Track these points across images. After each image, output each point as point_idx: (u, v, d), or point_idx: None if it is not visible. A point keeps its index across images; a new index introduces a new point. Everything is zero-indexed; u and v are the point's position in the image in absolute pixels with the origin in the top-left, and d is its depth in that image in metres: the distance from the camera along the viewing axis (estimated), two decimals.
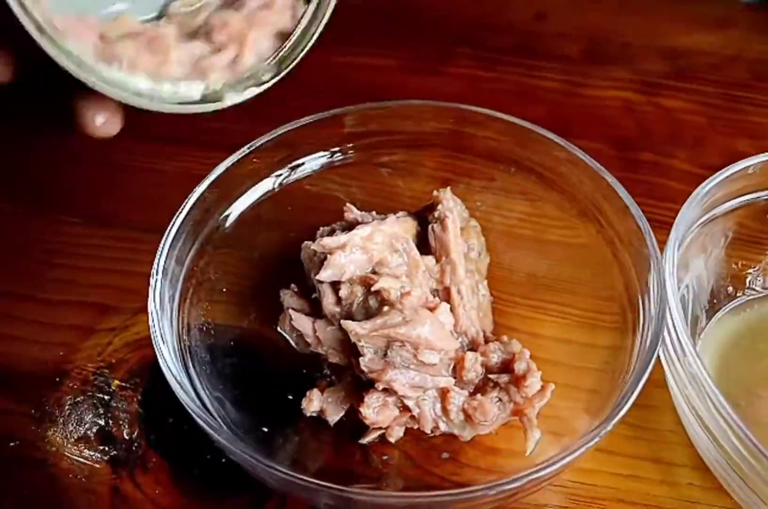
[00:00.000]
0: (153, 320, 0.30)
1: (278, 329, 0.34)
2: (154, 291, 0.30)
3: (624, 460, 0.33)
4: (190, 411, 0.27)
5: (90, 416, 0.35)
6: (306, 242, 0.35)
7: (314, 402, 0.32)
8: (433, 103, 0.37)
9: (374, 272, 0.32)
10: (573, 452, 0.24)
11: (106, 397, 0.35)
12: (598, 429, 0.26)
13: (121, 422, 0.34)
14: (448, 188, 0.36)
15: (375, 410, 0.31)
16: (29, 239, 0.43)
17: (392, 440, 0.32)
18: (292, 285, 0.34)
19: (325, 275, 0.31)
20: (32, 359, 0.37)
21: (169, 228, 0.32)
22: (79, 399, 0.35)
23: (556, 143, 0.35)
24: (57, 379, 0.36)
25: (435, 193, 0.35)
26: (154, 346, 0.29)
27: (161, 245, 0.32)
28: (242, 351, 0.35)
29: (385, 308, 0.30)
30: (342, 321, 0.30)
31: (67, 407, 0.35)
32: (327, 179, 0.38)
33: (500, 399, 0.31)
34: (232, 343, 0.35)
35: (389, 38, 0.55)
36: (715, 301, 0.37)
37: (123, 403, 0.35)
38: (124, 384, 0.36)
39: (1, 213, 0.44)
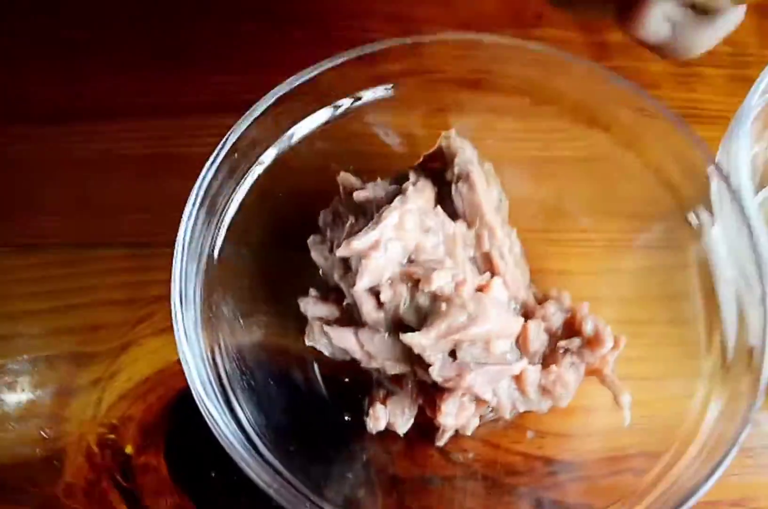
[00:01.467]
0: (184, 356, 0.24)
1: (307, 342, 0.29)
2: (177, 321, 0.24)
3: None
4: (235, 452, 0.23)
5: (116, 497, 0.29)
6: (312, 237, 0.29)
7: (381, 420, 0.28)
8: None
9: (410, 261, 0.27)
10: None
11: (124, 469, 0.30)
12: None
13: (154, 494, 0.29)
14: (452, 129, 0.30)
15: (453, 415, 0.27)
16: None
17: (468, 433, 0.29)
18: (311, 290, 0.29)
19: (363, 284, 0.25)
20: (10, 450, 0.31)
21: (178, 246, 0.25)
22: (92, 480, 0.29)
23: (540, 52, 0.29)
24: (55, 463, 0.30)
25: (442, 137, 0.29)
26: (191, 386, 0.24)
27: (175, 265, 0.25)
28: (276, 374, 0.29)
29: (443, 306, 0.26)
30: (402, 335, 0.25)
31: (82, 497, 0.29)
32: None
33: (573, 363, 0.28)
34: (264, 367, 0.29)
35: None
36: None
37: (148, 471, 0.30)
38: (140, 446, 0.30)
39: None
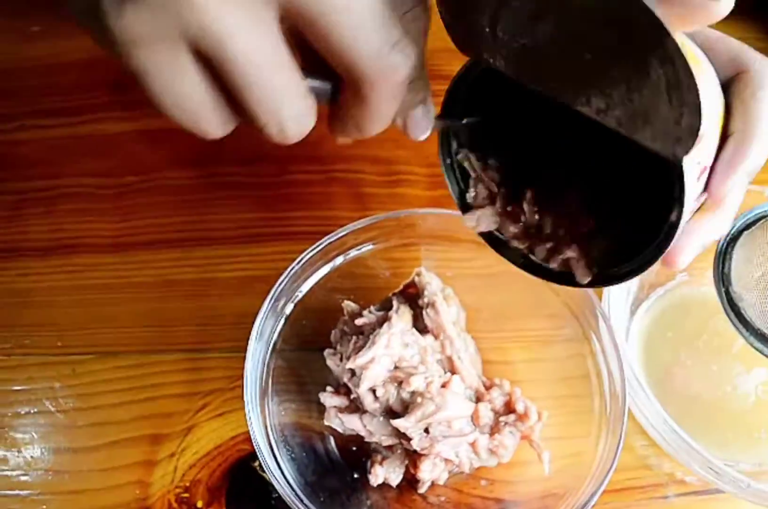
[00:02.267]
0: (253, 433, 0.37)
1: (326, 423, 0.42)
2: (248, 407, 0.37)
3: None
4: (290, 501, 0.35)
5: None
6: (327, 350, 0.42)
7: (379, 476, 0.40)
8: None
9: (396, 367, 0.40)
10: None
11: None
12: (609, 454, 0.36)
13: None
14: (422, 268, 0.43)
15: (429, 471, 0.40)
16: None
17: (441, 482, 0.42)
18: (328, 387, 0.42)
19: (365, 386, 0.38)
20: (109, 504, 0.42)
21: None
22: None
23: None
24: None
25: (415, 275, 0.43)
26: (257, 452, 0.37)
27: (247, 371, 0.38)
28: (306, 445, 0.42)
29: (418, 399, 0.39)
30: (392, 421, 0.38)
31: None
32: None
33: (511, 432, 0.41)
34: (298, 440, 0.42)
35: None
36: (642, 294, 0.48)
37: None
38: (207, 501, 0.42)
39: None
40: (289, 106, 0.24)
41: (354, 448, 0.43)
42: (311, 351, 0.44)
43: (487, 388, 0.43)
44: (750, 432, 0.45)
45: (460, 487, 0.43)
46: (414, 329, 0.41)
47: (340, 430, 0.42)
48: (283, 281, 0.40)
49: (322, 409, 0.43)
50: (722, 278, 0.39)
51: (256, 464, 0.44)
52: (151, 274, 0.50)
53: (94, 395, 0.46)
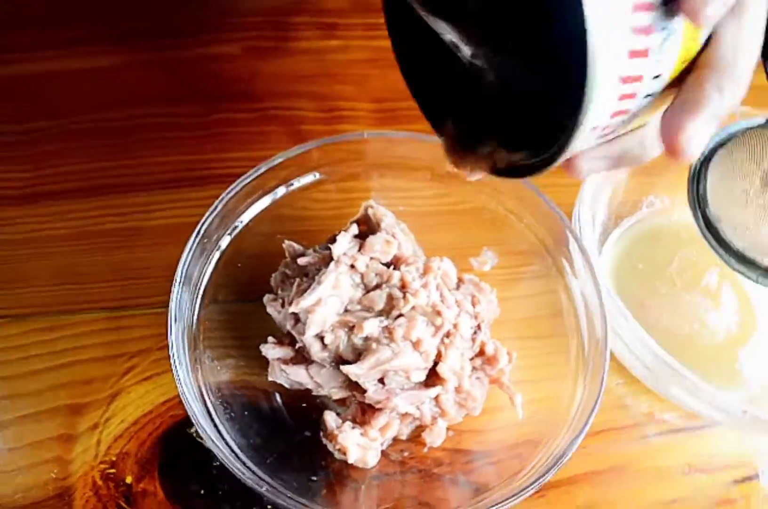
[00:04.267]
0: (184, 395, 0.31)
1: (270, 378, 0.37)
2: (176, 369, 0.32)
3: None
4: (233, 469, 0.30)
5: None
6: (267, 296, 0.37)
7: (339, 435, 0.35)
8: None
9: (347, 310, 0.35)
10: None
11: (126, 496, 0.36)
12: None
13: None
14: (372, 201, 0.38)
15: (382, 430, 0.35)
16: None
17: (404, 437, 0.38)
18: (269, 337, 0.37)
19: (311, 332, 0.33)
20: (22, 488, 0.37)
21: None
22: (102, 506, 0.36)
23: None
24: (66, 499, 0.36)
25: (365, 209, 0.38)
26: (190, 415, 0.31)
27: (170, 328, 0.33)
28: (249, 406, 0.37)
29: (373, 345, 0.34)
30: (342, 367, 0.33)
31: None
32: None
33: (478, 378, 0.37)
34: (239, 400, 0.37)
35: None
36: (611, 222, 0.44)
37: (147, 496, 0.36)
38: (137, 476, 0.37)
39: None
40: None
41: (303, 405, 0.38)
42: (248, 301, 0.38)
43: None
44: (730, 363, 0.42)
45: (424, 440, 0.38)
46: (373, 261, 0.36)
47: (286, 385, 0.37)
48: (212, 214, 0.34)
49: (264, 364, 0.37)
50: (698, 201, 0.36)
51: (192, 430, 0.39)
52: (65, 226, 0.44)
53: (2, 364, 0.40)
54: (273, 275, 0.37)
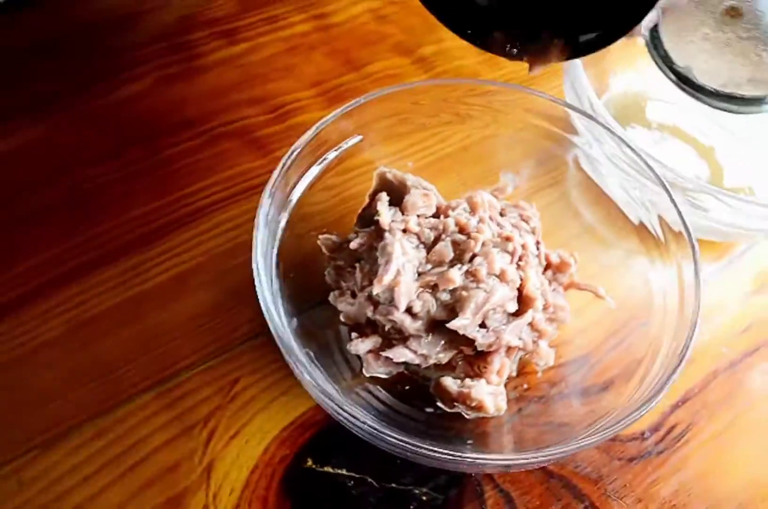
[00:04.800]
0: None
1: (367, 374, 0.35)
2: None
3: None
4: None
5: None
6: (331, 294, 0.34)
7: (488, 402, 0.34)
8: None
9: (419, 274, 0.33)
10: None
11: None
12: None
13: None
14: (381, 167, 0.36)
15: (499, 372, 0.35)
16: None
17: (514, 374, 0.37)
18: (353, 334, 0.34)
19: (403, 306, 0.32)
20: None
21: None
22: None
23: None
24: None
25: (377, 177, 0.36)
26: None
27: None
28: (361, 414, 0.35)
29: (464, 293, 0.33)
30: (449, 324, 0.32)
31: None
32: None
33: (555, 290, 0.38)
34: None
35: None
36: None
37: None
38: None
39: None
40: None
41: (407, 387, 0.37)
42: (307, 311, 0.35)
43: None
44: None
45: (530, 368, 0.38)
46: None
47: (383, 375, 0.35)
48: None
49: (353, 366, 0.35)
50: (663, 61, 0.38)
51: (309, 463, 0.36)
52: (57, 324, 0.37)
53: (67, 493, 0.34)
54: (326, 272, 0.34)
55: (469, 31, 0.27)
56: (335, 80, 0.48)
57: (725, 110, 0.39)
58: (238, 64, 0.47)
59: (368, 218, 0.35)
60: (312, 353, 0.34)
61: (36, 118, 0.43)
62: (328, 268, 0.35)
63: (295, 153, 0.32)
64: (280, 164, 0.31)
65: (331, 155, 0.35)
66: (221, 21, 0.50)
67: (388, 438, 0.28)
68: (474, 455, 0.30)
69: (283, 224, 0.34)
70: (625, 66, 0.41)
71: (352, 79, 0.48)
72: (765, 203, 0.38)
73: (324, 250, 0.35)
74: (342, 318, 0.35)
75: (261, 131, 0.45)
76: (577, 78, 0.40)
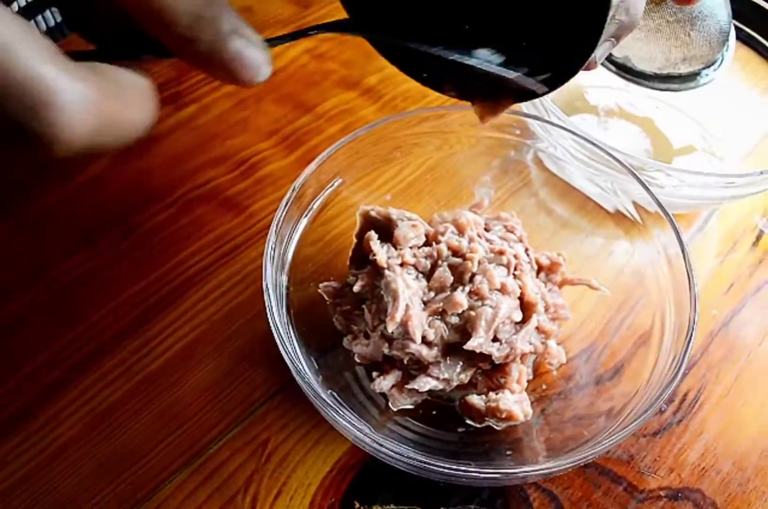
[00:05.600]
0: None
1: (395, 408, 0.35)
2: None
3: None
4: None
5: None
6: (344, 339, 0.35)
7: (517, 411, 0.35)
8: None
9: (425, 302, 0.34)
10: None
11: None
12: None
13: None
14: (362, 206, 0.37)
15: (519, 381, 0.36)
16: None
17: (531, 377, 0.38)
18: (374, 373, 0.35)
19: (419, 338, 0.32)
20: None
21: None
22: None
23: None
24: None
25: (361, 216, 0.37)
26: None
27: None
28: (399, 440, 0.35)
29: (471, 313, 0.34)
30: (466, 345, 0.33)
31: None
32: None
33: (551, 290, 0.39)
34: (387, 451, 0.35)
35: None
36: None
37: None
38: None
39: None
40: None
41: (434, 412, 0.37)
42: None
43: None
44: None
45: (543, 369, 0.39)
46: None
47: (410, 406, 0.36)
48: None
49: (379, 403, 0.36)
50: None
51: (357, 506, 0.36)
52: (69, 425, 0.36)
53: None
54: (334, 318, 0.35)
55: (422, 79, 0.28)
56: (291, 126, 0.48)
57: (666, 90, 0.41)
58: (191, 128, 0.47)
59: (362, 259, 0.35)
60: (335, 396, 0.34)
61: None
62: (335, 315, 0.35)
63: (282, 213, 0.32)
64: (273, 227, 0.31)
65: (315, 205, 0.36)
66: (163, 87, 0.49)
67: (434, 468, 0.29)
68: (516, 469, 0.31)
69: (284, 281, 0.34)
70: None
71: (307, 122, 0.48)
72: (708, 172, 0.40)
73: (326, 297, 0.35)
74: (357, 359, 0.35)
75: (231, 189, 0.45)
76: None
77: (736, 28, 0.44)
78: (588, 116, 0.52)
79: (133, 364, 0.37)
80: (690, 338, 0.32)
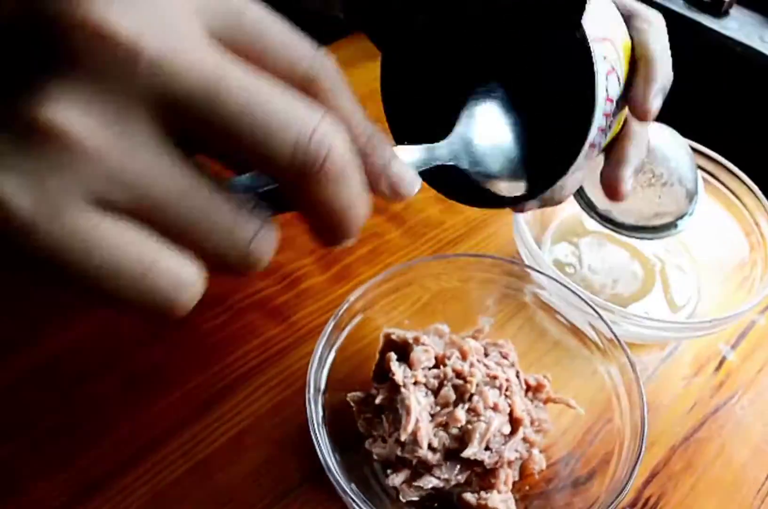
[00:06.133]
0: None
1: (404, 500, 0.43)
2: None
3: None
4: None
5: None
6: (366, 442, 0.43)
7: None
8: None
9: (431, 415, 0.42)
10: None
11: None
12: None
13: None
14: (385, 329, 0.46)
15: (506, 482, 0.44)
16: None
17: (517, 479, 0.46)
18: (389, 471, 0.43)
19: (425, 445, 0.41)
20: None
21: None
22: None
23: None
24: None
25: (383, 337, 0.46)
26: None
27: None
28: None
29: (469, 426, 0.42)
30: (463, 454, 0.41)
31: None
32: None
33: (537, 406, 0.47)
34: None
35: None
36: None
37: None
38: None
39: None
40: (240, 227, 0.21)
41: (436, 505, 0.45)
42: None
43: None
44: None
45: (528, 472, 0.47)
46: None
47: (415, 498, 0.43)
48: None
49: (391, 494, 0.44)
50: (588, 206, 0.49)
51: None
52: (143, 493, 0.44)
53: None
54: (359, 423, 0.43)
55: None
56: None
57: (642, 238, 0.50)
58: None
59: (382, 373, 0.44)
60: (355, 487, 0.42)
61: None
62: (359, 420, 0.44)
63: (327, 333, 0.42)
64: (316, 352, 0.41)
65: (349, 326, 0.45)
66: None
67: None
68: None
69: (322, 387, 0.43)
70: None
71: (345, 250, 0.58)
72: (655, 317, 0.49)
73: (353, 405, 0.44)
74: (375, 457, 0.43)
75: (277, 299, 0.54)
76: (521, 232, 0.51)
77: None
78: (590, 239, 0.62)
79: (190, 449, 0.46)
80: (637, 462, 0.40)
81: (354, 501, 0.38)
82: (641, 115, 0.34)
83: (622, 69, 0.35)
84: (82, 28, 0.17)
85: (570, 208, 0.61)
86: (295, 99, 0.20)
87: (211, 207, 0.20)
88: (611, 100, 0.33)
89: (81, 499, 0.44)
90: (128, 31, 0.17)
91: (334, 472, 0.38)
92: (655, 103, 0.34)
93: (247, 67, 0.19)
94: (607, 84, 0.32)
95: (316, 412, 0.40)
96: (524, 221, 0.53)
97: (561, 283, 0.47)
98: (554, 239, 0.61)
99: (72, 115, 0.17)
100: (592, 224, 0.59)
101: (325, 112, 0.20)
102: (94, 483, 0.44)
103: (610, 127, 0.34)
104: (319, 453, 0.38)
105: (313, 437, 0.38)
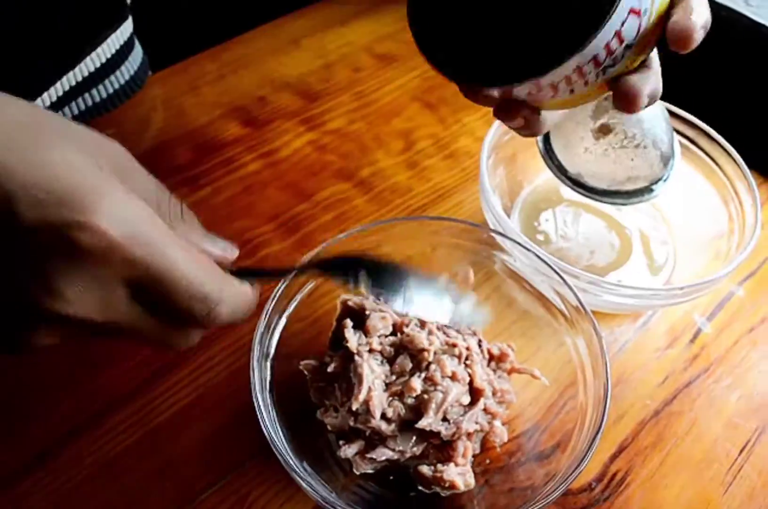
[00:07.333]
0: None
1: (357, 472, 0.41)
2: None
3: None
4: None
5: None
6: (318, 411, 0.42)
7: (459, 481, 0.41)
8: None
9: (387, 384, 0.41)
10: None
11: None
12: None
13: None
14: (342, 295, 0.44)
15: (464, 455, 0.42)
16: None
17: (477, 452, 0.44)
18: (341, 442, 0.41)
19: (378, 415, 0.39)
20: None
21: None
22: None
23: None
24: None
25: (341, 304, 0.44)
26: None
27: None
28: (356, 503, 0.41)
29: (425, 396, 0.40)
30: (417, 424, 0.39)
31: None
32: None
33: (500, 376, 0.45)
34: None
35: None
36: None
37: None
38: None
39: None
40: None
41: (391, 478, 0.43)
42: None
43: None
44: None
45: (489, 445, 0.45)
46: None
47: (370, 470, 0.42)
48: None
49: (344, 467, 0.42)
50: (558, 169, 0.47)
51: None
52: (90, 463, 0.43)
53: None
54: (311, 393, 0.41)
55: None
56: (290, 212, 0.56)
57: (613, 204, 0.48)
58: (204, 207, 0.54)
59: (338, 341, 0.42)
60: (307, 462, 0.40)
61: None
62: (312, 389, 0.42)
63: (275, 299, 0.40)
64: (267, 304, 0.39)
65: (307, 288, 0.43)
66: (183, 169, 0.57)
67: None
68: None
69: (272, 354, 0.41)
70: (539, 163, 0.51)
71: (305, 209, 0.56)
72: (637, 285, 0.47)
73: (306, 373, 0.42)
74: (329, 428, 0.42)
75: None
76: (486, 198, 0.49)
77: None
78: (565, 208, 0.60)
79: (139, 419, 0.44)
80: (597, 435, 0.38)
81: (301, 478, 0.36)
82: (684, 41, 0.31)
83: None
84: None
85: (543, 175, 0.59)
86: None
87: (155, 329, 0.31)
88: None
89: (29, 469, 0.42)
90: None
91: (277, 443, 0.36)
92: (699, 21, 0.31)
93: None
94: None
95: (260, 378, 0.38)
96: (492, 187, 0.50)
97: (526, 248, 0.45)
98: (525, 207, 0.59)
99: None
100: (567, 192, 0.57)
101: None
102: (42, 453, 0.43)
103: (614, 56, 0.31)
104: (260, 422, 0.36)
105: (256, 405, 0.37)
